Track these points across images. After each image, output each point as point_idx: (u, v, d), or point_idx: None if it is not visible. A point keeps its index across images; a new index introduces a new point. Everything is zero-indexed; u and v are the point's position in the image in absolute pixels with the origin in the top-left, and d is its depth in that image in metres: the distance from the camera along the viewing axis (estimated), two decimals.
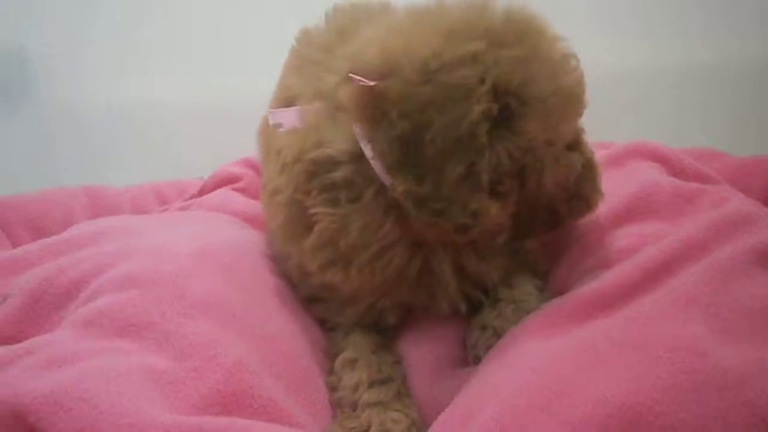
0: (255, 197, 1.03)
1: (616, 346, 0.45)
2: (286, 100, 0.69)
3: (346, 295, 0.60)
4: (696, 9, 1.29)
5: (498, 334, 0.56)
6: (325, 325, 0.64)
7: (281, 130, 0.58)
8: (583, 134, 0.60)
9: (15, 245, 0.84)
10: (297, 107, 0.60)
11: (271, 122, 0.60)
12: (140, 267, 0.57)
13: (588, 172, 0.59)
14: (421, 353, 0.59)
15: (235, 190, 1.02)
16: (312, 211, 0.54)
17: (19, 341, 0.56)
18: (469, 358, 0.59)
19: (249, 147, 1.11)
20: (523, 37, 0.52)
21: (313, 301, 0.64)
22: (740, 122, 1.29)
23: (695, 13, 1.29)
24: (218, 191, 1.01)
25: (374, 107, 0.50)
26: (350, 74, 0.51)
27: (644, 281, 0.52)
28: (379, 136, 0.50)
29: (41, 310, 0.59)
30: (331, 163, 0.54)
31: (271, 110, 0.63)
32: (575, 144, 0.58)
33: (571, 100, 0.54)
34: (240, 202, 0.97)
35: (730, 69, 1.30)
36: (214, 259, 0.60)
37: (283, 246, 0.62)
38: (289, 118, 0.59)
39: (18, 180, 1.15)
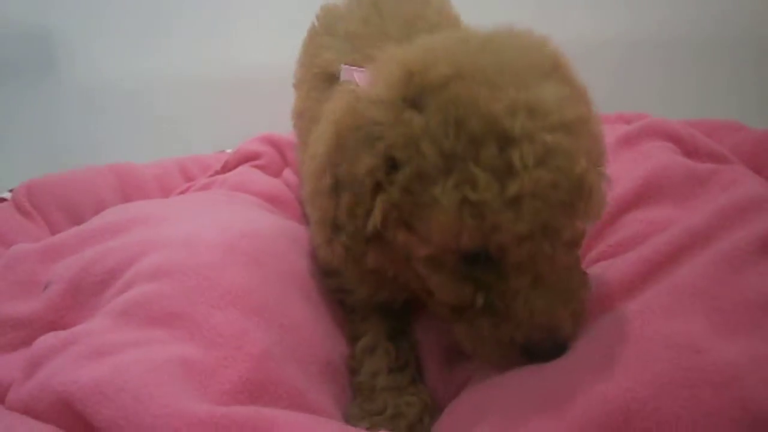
0: (275, 175, 1.06)
1: (616, 343, 0.47)
2: (327, 75, 0.71)
3: (352, 278, 0.62)
4: None
5: None
6: (344, 306, 0.67)
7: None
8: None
9: (50, 226, 0.88)
10: (364, 68, 0.61)
11: (342, 78, 0.62)
12: (171, 259, 0.60)
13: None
14: (434, 338, 0.62)
15: (255, 167, 1.05)
16: None
17: (62, 326, 0.60)
18: None
19: (268, 122, 1.13)
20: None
21: (329, 275, 0.66)
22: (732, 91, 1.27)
23: None
24: (240, 169, 1.04)
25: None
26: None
27: (647, 274, 0.54)
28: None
29: (80, 297, 0.62)
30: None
31: (345, 66, 0.65)
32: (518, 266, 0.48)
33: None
34: (261, 180, 1.00)
35: (719, 37, 1.28)
36: (241, 251, 0.63)
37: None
38: (361, 78, 0.60)
39: (41, 158, 1.19)
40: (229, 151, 1.13)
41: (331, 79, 0.70)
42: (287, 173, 1.05)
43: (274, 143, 1.10)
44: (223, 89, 1.33)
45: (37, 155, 1.20)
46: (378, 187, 0.49)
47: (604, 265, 0.60)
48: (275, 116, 1.06)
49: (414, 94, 0.48)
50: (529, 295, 0.47)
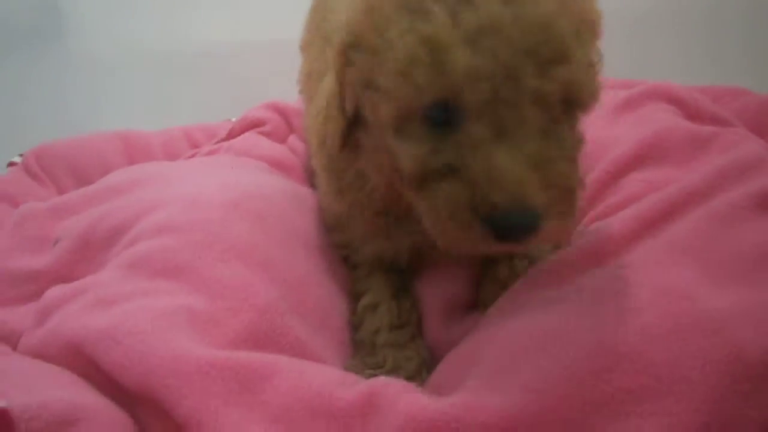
0: (280, 141, 1.06)
1: (606, 294, 0.48)
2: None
3: (357, 232, 0.63)
4: None
5: (505, 287, 0.58)
6: (347, 262, 0.68)
7: None
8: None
9: (58, 189, 0.90)
10: None
11: None
12: (176, 215, 0.61)
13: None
14: (436, 295, 0.63)
15: (260, 134, 1.06)
16: None
17: (71, 280, 0.62)
18: (479, 306, 0.61)
19: (273, 89, 1.13)
20: None
21: (335, 230, 0.67)
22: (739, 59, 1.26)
23: None
24: (245, 135, 1.05)
25: None
26: None
27: (642, 230, 0.54)
28: None
29: (88, 252, 0.64)
30: None
31: None
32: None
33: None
34: (266, 146, 1.01)
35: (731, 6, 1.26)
36: (245, 208, 0.64)
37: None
38: None
39: (50, 124, 1.20)
40: (234, 119, 1.14)
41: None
42: (292, 140, 1.06)
43: (279, 110, 1.11)
44: (230, 57, 1.33)
45: (46, 121, 1.21)
46: (345, 66, 0.50)
47: (600, 224, 0.60)
48: (283, 85, 1.06)
49: None
50: (490, 149, 0.43)
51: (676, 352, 0.42)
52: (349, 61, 0.49)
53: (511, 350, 0.47)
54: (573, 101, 0.46)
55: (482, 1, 0.42)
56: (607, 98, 0.90)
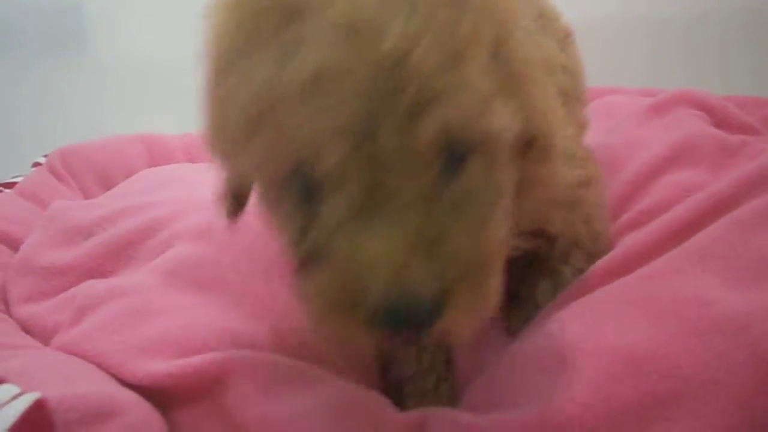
0: None
1: (627, 303, 0.47)
2: None
3: None
4: None
5: (534, 311, 0.56)
6: None
7: None
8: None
9: (82, 190, 0.90)
10: None
11: None
12: (214, 221, 0.60)
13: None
14: None
15: None
16: None
17: (101, 274, 0.62)
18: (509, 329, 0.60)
19: None
20: None
21: None
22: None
23: None
24: None
25: None
26: None
27: (667, 241, 0.54)
28: None
29: (119, 247, 0.64)
30: None
31: None
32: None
33: None
34: None
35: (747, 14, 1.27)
36: None
37: None
38: None
39: (73, 127, 1.21)
40: None
41: None
42: None
43: None
44: None
45: (70, 124, 1.22)
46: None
47: (631, 236, 0.60)
48: None
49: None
50: (353, 230, 0.33)
51: (700, 355, 0.41)
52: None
53: (528, 363, 0.47)
54: (467, 146, 0.35)
55: (316, 41, 0.32)
56: (633, 104, 0.91)
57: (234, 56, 0.35)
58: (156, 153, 1.03)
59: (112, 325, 0.52)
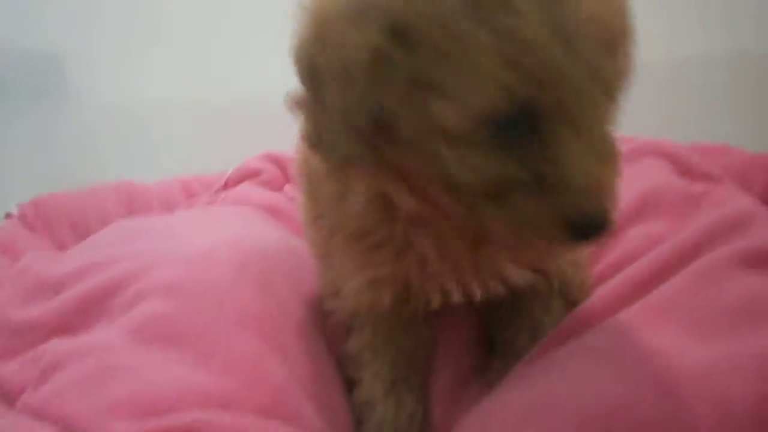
0: (276, 189, 1.07)
1: (595, 357, 0.48)
2: None
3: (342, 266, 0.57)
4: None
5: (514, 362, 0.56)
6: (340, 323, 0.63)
7: None
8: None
9: (55, 241, 0.89)
10: None
11: None
12: (183, 275, 0.61)
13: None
14: (446, 366, 0.61)
15: (257, 183, 1.07)
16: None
17: (69, 331, 0.61)
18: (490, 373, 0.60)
19: (269, 141, 1.15)
20: None
21: (320, 275, 0.63)
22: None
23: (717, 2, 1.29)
24: (242, 185, 1.06)
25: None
26: None
27: (632, 294, 0.55)
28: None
29: (87, 303, 0.63)
30: None
31: None
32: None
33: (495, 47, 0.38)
34: (262, 194, 1.02)
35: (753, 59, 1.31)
36: (252, 269, 0.63)
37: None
38: None
39: (55, 178, 1.20)
40: (231, 170, 1.14)
41: None
42: (289, 188, 1.07)
43: (275, 160, 1.12)
44: (226, 111, 1.36)
45: (45, 173, 1.22)
46: (379, 64, 0.40)
47: (598, 289, 0.60)
48: (277, 137, 1.07)
49: None
50: (582, 158, 0.39)
51: (665, 408, 0.42)
52: (382, 56, 0.39)
53: (506, 422, 0.47)
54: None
55: None
56: None
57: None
58: (132, 202, 1.03)
59: (79, 385, 0.52)
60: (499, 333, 0.62)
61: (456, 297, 0.54)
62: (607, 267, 0.64)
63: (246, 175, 1.10)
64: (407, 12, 0.39)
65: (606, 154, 0.41)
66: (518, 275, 0.55)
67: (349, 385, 0.61)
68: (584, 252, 0.62)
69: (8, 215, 0.91)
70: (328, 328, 0.64)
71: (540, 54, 0.37)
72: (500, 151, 0.40)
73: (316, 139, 0.44)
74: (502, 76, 0.38)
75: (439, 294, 0.55)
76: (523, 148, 0.40)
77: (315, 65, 0.42)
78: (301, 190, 0.61)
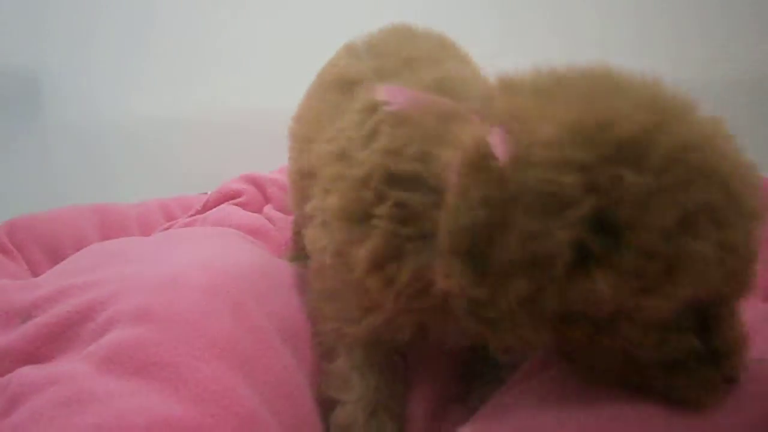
0: (256, 211, 1.07)
1: (566, 388, 0.49)
2: (344, 81, 0.66)
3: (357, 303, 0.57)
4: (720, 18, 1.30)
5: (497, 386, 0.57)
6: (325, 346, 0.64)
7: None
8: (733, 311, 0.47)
9: (30, 265, 0.89)
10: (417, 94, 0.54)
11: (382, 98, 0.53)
12: (154, 301, 0.60)
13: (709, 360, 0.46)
14: (427, 388, 0.62)
15: (236, 205, 1.07)
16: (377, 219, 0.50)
17: (38, 359, 0.60)
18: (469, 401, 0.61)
19: (248, 163, 1.16)
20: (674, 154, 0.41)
21: (330, 299, 0.62)
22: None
23: (718, 24, 1.30)
24: (221, 207, 1.06)
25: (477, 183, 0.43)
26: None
27: None
28: (454, 212, 0.43)
29: (57, 330, 0.62)
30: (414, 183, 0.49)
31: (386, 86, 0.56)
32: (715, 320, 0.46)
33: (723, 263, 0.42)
34: (243, 215, 1.02)
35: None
36: (224, 293, 0.63)
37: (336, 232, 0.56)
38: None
39: (26, 199, 1.20)
40: (210, 192, 1.15)
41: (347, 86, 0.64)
42: (268, 209, 1.07)
43: (253, 181, 1.12)
44: (208, 131, 1.36)
45: (21, 194, 1.21)
46: (581, 259, 0.40)
47: None
48: (259, 158, 1.08)
49: (611, 151, 0.41)
50: (735, 328, 0.46)
51: None
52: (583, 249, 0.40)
53: None
54: None
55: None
56: None
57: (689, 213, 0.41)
58: (109, 223, 1.03)
59: (45, 416, 0.51)
60: (482, 356, 0.62)
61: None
62: None
63: (225, 197, 1.10)
64: (626, 217, 0.40)
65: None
66: None
67: (329, 404, 0.60)
68: None
69: None
70: (310, 347, 0.64)
71: (739, 258, 0.42)
72: (685, 328, 0.45)
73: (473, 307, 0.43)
74: (713, 276, 0.42)
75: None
76: (692, 323, 0.45)
77: (487, 252, 0.42)
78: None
